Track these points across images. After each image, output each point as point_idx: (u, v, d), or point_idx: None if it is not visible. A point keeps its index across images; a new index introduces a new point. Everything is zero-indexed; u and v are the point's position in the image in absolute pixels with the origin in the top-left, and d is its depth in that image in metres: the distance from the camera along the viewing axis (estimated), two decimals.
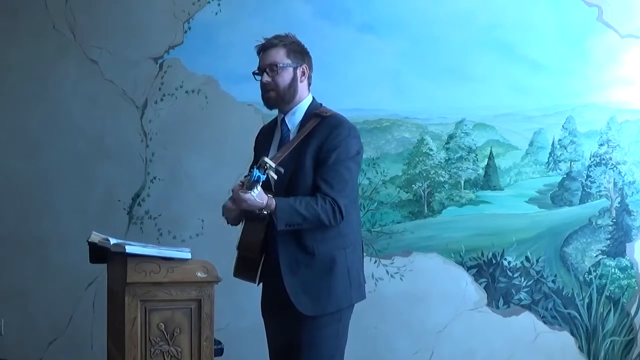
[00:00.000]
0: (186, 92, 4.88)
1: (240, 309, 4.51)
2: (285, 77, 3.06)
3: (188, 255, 2.82)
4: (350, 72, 4.80)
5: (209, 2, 4.87)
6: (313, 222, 2.94)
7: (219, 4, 4.87)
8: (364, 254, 3.21)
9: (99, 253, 3.10)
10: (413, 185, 4.85)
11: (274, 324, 3.13)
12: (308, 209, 2.92)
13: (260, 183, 2.80)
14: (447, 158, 4.86)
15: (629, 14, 4.82)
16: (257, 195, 2.83)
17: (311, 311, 2.98)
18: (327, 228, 2.97)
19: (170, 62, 4.89)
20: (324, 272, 3.00)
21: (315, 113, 3.07)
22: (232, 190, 2.90)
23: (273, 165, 2.80)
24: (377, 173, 4.84)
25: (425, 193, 4.86)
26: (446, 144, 4.87)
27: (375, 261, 4.79)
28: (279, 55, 3.06)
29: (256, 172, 2.78)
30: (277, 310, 3.07)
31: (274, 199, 2.91)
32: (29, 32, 4.94)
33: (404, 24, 4.83)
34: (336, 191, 2.96)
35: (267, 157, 2.91)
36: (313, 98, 3.15)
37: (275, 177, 2.83)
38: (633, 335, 4.79)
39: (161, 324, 2.79)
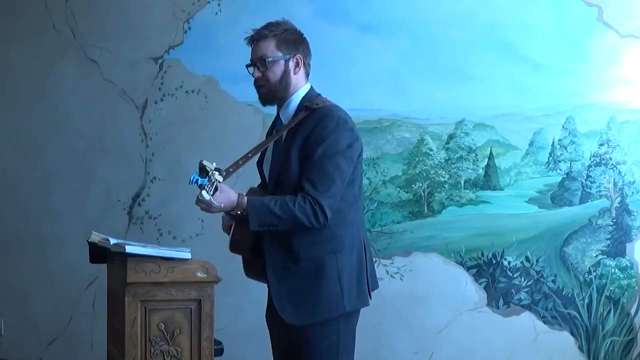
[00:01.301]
0: (186, 92, 4.88)
1: (240, 309, 4.51)
2: (276, 72, 2.86)
3: (188, 255, 2.81)
4: (350, 72, 4.79)
5: (209, 2, 4.87)
6: (291, 223, 2.73)
7: (219, 4, 4.86)
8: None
9: (99, 253, 3.09)
10: (413, 185, 4.85)
11: (274, 329, 3.00)
12: (283, 209, 2.71)
13: (207, 186, 2.65)
14: (447, 158, 4.86)
15: (629, 14, 4.82)
16: (214, 198, 2.67)
17: (296, 321, 2.80)
18: (314, 230, 2.76)
19: (170, 62, 4.89)
20: (310, 278, 2.79)
21: (305, 105, 2.85)
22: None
23: (212, 166, 2.65)
24: (377, 173, 4.84)
25: (425, 193, 4.85)
26: (446, 144, 4.86)
27: (375, 261, 4.77)
28: (269, 48, 2.87)
29: (194, 177, 2.68)
30: (275, 315, 2.90)
31: (245, 198, 2.76)
32: (29, 32, 4.93)
33: (404, 24, 4.83)
34: (319, 191, 2.73)
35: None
36: (311, 87, 2.94)
37: (221, 179, 2.67)
38: (633, 335, 4.78)
39: (161, 324, 2.78)
